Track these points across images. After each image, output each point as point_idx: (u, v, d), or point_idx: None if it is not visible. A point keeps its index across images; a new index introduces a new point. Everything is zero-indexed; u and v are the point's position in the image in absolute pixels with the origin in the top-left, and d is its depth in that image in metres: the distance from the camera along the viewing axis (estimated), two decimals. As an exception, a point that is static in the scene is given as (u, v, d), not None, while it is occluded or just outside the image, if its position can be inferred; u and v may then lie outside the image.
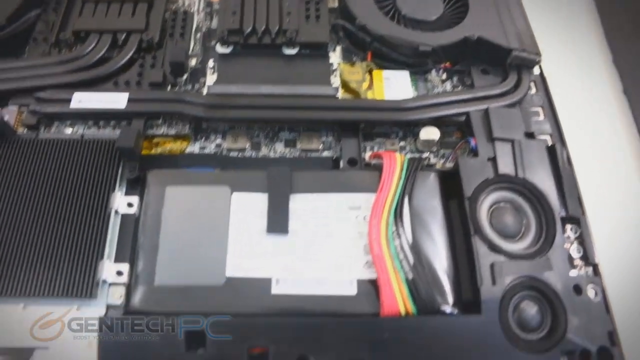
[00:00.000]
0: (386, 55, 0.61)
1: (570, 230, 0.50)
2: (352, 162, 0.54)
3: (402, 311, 0.44)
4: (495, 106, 0.55)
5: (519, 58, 0.59)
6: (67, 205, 0.49)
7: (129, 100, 0.55)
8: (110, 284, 0.47)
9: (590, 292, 0.47)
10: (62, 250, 0.47)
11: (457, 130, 0.58)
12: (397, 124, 0.57)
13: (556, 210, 0.49)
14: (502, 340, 0.43)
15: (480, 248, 0.47)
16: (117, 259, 0.48)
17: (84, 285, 0.46)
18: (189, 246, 0.47)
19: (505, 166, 0.51)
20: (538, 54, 0.59)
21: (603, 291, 0.47)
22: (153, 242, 0.47)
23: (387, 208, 0.47)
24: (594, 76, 0.78)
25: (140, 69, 0.59)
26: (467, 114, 0.55)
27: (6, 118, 0.54)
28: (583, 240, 0.50)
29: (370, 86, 0.60)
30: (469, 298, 0.46)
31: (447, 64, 0.62)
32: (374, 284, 0.45)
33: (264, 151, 0.56)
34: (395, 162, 0.50)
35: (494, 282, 0.45)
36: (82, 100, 0.55)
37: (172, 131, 0.56)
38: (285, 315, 0.45)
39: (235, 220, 0.48)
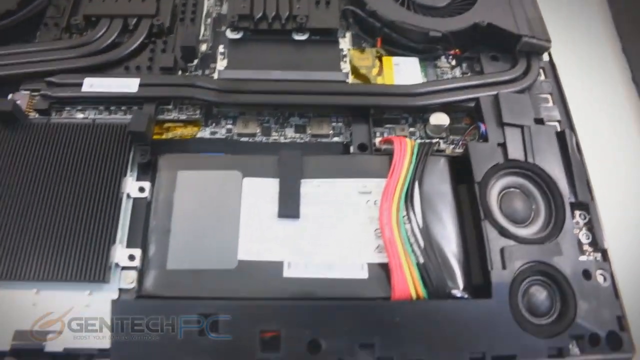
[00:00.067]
0: (396, 41, 0.61)
1: (579, 216, 0.51)
2: (362, 148, 0.54)
3: (413, 295, 0.44)
4: (505, 92, 0.55)
5: (528, 44, 0.59)
6: (78, 189, 0.49)
7: (140, 85, 0.55)
8: (122, 268, 0.47)
9: (599, 277, 0.47)
10: (74, 235, 0.47)
11: (467, 116, 0.58)
12: (407, 109, 0.57)
13: (565, 196, 0.49)
14: (511, 324, 0.44)
15: (490, 233, 0.47)
16: (129, 244, 0.49)
17: (96, 270, 0.46)
18: (201, 230, 0.47)
19: (515, 151, 0.51)
20: (548, 40, 0.59)
21: (612, 276, 0.47)
22: (165, 226, 0.47)
23: (398, 193, 0.47)
24: (603, 64, 0.78)
25: (151, 54, 0.59)
26: (476, 99, 0.55)
27: (18, 102, 0.54)
28: (592, 225, 0.50)
29: (380, 72, 0.60)
30: (479, 282, 0.46)
31: (457, 51, 0.62)
32: (385, 268, 0.46)
33: (274, 136, 0.56)
34: (405, 147, 0.50)
35: (504, 266, 0.45)
36: (93, 84, 0.55)
37: (183, 116, 0.56)
38: (297, 299, 0.45)
39: (246, 204, 0.49)
